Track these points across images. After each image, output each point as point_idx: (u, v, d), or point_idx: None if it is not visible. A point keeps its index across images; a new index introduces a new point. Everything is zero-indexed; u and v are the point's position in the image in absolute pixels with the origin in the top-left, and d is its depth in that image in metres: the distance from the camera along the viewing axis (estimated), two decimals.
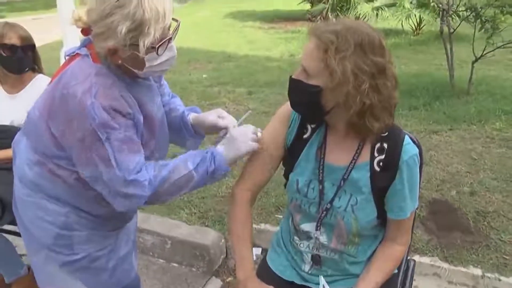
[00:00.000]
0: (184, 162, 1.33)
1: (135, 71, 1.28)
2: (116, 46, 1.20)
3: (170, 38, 1.27)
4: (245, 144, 1.37)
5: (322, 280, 1.39)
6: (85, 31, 1.24)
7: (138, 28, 1.18)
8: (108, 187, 1.26)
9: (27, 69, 2.10)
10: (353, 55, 1.14)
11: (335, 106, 1.21)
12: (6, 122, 2.09)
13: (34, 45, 2.11)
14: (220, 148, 1.38)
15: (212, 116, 1.51)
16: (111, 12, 1.17)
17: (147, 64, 1.26)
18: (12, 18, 11.57)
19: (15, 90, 2.10)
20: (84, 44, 1.31)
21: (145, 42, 1.20)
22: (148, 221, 2.68)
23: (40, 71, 2.17)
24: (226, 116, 1.49)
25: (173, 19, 1.26)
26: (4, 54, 2.02)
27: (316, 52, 1.18)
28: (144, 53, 1.22)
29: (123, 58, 1.24)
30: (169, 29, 1.26)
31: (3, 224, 2.05)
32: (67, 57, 1.33)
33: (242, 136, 1.38)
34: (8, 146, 1.99)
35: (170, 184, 1.31)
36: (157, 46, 1.23)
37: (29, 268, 2.25)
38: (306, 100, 1.23)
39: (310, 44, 1.20)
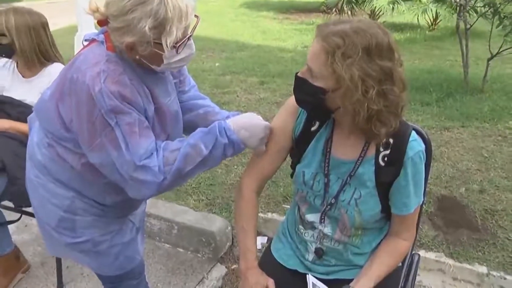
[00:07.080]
0: (194, 148, 1.28)
1: (152, 66, 1.27)
2: (135, 42, 1.19)
3: (190, 36, 1.25)
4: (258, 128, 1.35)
5: (310, 279, 1.34)
6: (102, 22, 1.22)
7: (160, 26, 1.17)
8: (120, 172, 1.24)
9: (3, 55, 2.09)
10: (360, 60, 1.10)
11: (341, 106, 1.18)
12: None
13: (5, 36, 1.99)
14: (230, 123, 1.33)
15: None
16: (132, 8, 1.15)
17: (165, 61, 1.25)
18: (27, 3, 11.65)
19: (29, 75, 2.12)
20: (103, 32, 1.30)
21: (167, 40, 1.18)
22: (156, 206, 2.70)
23: (46, 57, 2.12)
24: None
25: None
26: None
27: (322, 56, 1.14)
28: (164, 51, 1.21)
29: (142, 54, 1.23)
30: (190, 27, 1.24)
31: (3, 200, 2.04)
32: (85, 42, 1.33)
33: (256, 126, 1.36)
34: (24, 120, 2.01)
35: (183, 174, 1.29)
36: (177, 45, 1.22)
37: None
38: (311, 100, 1.21)
39: (316, 45, 1.16)
